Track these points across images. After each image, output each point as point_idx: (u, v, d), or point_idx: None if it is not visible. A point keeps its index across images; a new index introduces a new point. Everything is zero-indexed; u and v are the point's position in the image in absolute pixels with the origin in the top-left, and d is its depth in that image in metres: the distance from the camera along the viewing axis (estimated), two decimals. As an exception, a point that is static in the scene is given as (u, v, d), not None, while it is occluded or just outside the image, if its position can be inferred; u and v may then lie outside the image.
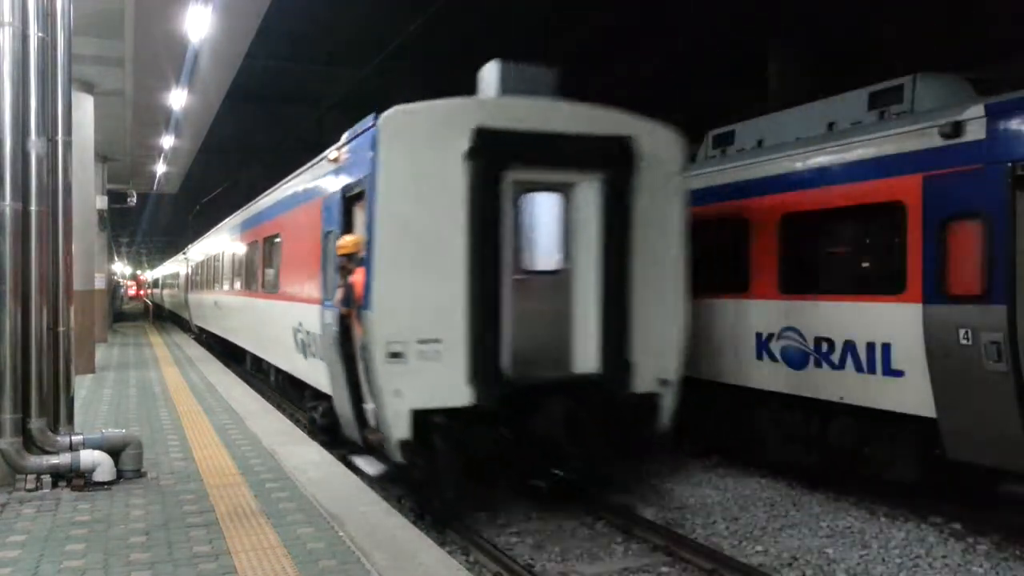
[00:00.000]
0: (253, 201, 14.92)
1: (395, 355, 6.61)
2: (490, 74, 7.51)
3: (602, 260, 7.20)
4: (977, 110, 6.36)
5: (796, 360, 7.93)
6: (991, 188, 6.15)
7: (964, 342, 6.26)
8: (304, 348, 9.36)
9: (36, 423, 6.28)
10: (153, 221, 52.31)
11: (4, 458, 6.11)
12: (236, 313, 15.64)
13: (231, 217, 18.21)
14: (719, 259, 9.30)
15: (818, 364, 7.68)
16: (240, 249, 15.34)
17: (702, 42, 21.03)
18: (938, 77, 7.57)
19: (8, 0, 6.14)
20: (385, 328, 6.60)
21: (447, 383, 6.70)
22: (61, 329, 6.67)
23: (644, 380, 7.33)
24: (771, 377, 8.28)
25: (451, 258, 6.71)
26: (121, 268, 66.66)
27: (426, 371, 6.65)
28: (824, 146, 7.79)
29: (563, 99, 7.40)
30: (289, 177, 11.37)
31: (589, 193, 7.28)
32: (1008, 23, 14.84)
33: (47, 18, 6.47)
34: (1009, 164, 6.05)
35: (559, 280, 7.42)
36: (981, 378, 6.13)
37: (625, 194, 7.25)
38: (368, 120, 7.07)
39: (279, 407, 13.40)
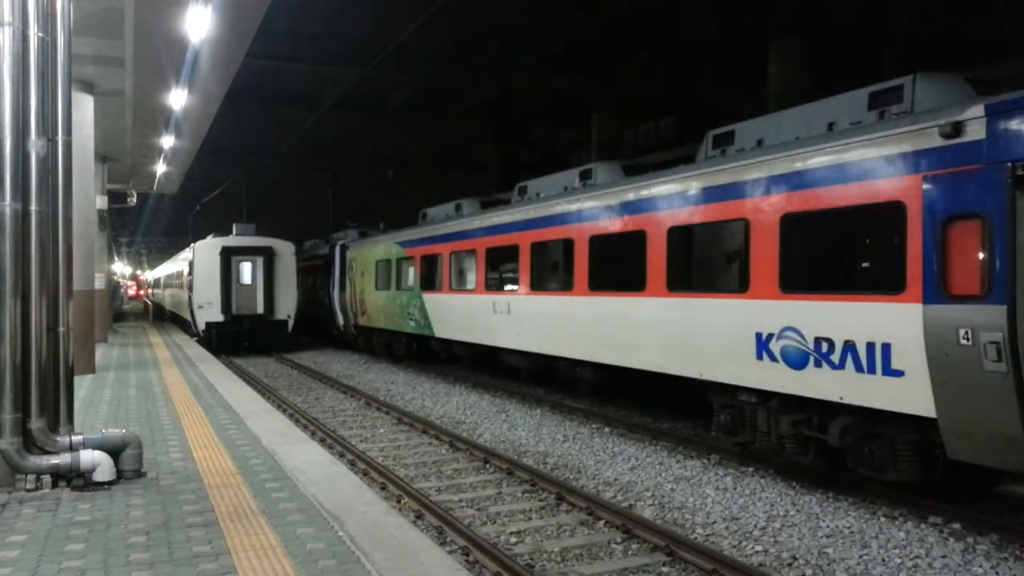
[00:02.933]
0: (176, 255, 38.59)
1: (200, 307, 24.03)
2: (235, 227, 25.95)
3: (263, 280, 24.34)
4: (977, 110, 6.35)
5: (795, 360, 7.93)
6: (991, 188, 6.15)
7: (964, 342, 6.26)
8: (186, 307, 26.12)
9: (36, 423, 6.28)
10: (153, 221, 52.88)
11: (4, 458, 6.11)
12: (175, 298, 35.02)
13: (171, 259, 43.26)
14: (720, 259, 9.31)
15: (818, 364, 7.68)
16: (174, 272, 36.03)
17: (702, 41, 21.02)
18: (938, 77, 7.56)
19: (8, 0, 6.14)
20: (197, 298, 24.20)
21: (215, 313, 23.95)
22: (61, 329, 6.67)
23: (279, 314, 24.46)
24: (772, 377, 8.29)
25: (215, 281, 24.04)
26: (121, 268, 66.74)
27: (209, 311, 23.97)
28: (824, 146, 7.79)
29: (255, 235, 25.65)
30: (184, 250, 31.41)
31: (260, 261, 24.41)
32: (1008, 21, 14.83)
33: (47, 18, 6.46)
34: (1009, 164, 6.05)
35: (251, 286, 24.26)
36: (981, 378, 6.13)
37: (272, 262, 24.48)
38: (192, 244, 25.68)
39: (280, 407, 13.42)
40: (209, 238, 25.09)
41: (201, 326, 23.79)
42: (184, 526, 5.31)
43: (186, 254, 28.02)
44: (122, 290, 70.18)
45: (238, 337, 23.97)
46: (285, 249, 24.72)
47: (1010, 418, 5.97)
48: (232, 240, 24.85)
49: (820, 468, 8.23)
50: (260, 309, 24.15)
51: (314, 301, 28.20)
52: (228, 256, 24.03)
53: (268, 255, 24.34)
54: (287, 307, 24.52)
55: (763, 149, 8.83)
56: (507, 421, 12.50)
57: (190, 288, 24.56)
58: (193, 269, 24.26)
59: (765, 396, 8.50)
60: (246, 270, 24.21)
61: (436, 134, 33.92)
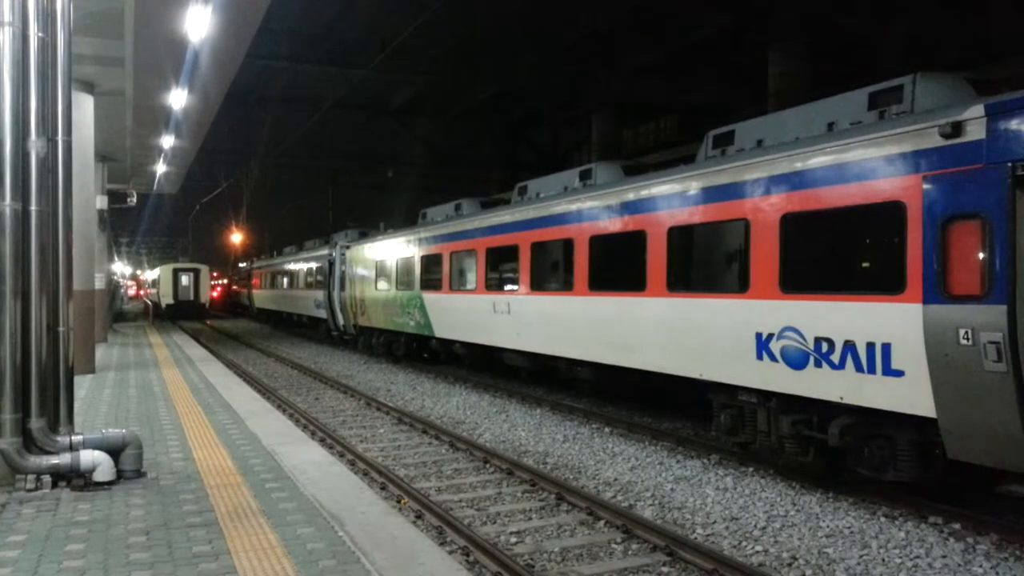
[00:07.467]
0: (155, 269, 63.41)
1: (163, 296, 49.50)
2: (180, 259, 61.73)
3: (192, 285, 49.68)
4: (977, 110, 6.35)
5: (795, 360, 7.93)
6: (991, 188, 6.15)
7: (964, 342, 6.26)
8: (157, 297, 52.64)
9: (36, 423, 6.28)
10: (153, 221, 56.74)
11: (4, 458, 6.11)
12: (152, 293, 58.98)
13: (153, 269, 65.73)
14: (720, 259, 9.31)
15: (818, 364, 7.68)
16: (153, 279, 62.05)
17: (703, 41, 21.03)
18: (938, 77, 7.55)
19: (8, 0, 6.14)
20: (161, 292, 50.29)
21: (171, 299, 49.08)
22: (61, 329, 6.67)
23: (201, 300, 49.85)
24: (772, 377, 8.29)
25: (170, 283, 49.62)
26: (121, 268, 67.09)
27: (167, 298, 49.18)
28: (824, 146, 7.79)
29: (193, 261, 56.54)
30: (157, 267, 57.64)
31: (192, 273, 50.34)
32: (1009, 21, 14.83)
33: (47, 18, 6.46)
34: (1009, 164, 6.05)
35: (188, 286, 49.49)
36: (981, 378, 6.14)
37: (198, 275, 50.27)
38: (158, 267, 57.65)
39: (280, 407, 13.41)
40: (169, 263, 51.94)
41: (163, 305, 47.54)
42: (184, 526, 5.31)
43: (156, 270, 55.95)
44: (122, 290, 70.31)
45: (181, 312, 46.72)
46: (204, 268, 50.36)
47: (1010, 418, 5.97)
48: (179, 264, 51.12)
49: (820, 468, 8.24)
50: (192, 297, 48.25)
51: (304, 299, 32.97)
52: (176, 272, 48.63)
53: (196, 271, 49.18)
54: (204, 297, 49.11)
55: (763, 149, 8.83)
56: (507, 421, 12.50)
57: (157, 287, 50.78)
58: (159, 278, 50.24)
59: (765, 396, 8.50)
60: (185, 278, 48.41)
61: (436, 134, 33.94)
